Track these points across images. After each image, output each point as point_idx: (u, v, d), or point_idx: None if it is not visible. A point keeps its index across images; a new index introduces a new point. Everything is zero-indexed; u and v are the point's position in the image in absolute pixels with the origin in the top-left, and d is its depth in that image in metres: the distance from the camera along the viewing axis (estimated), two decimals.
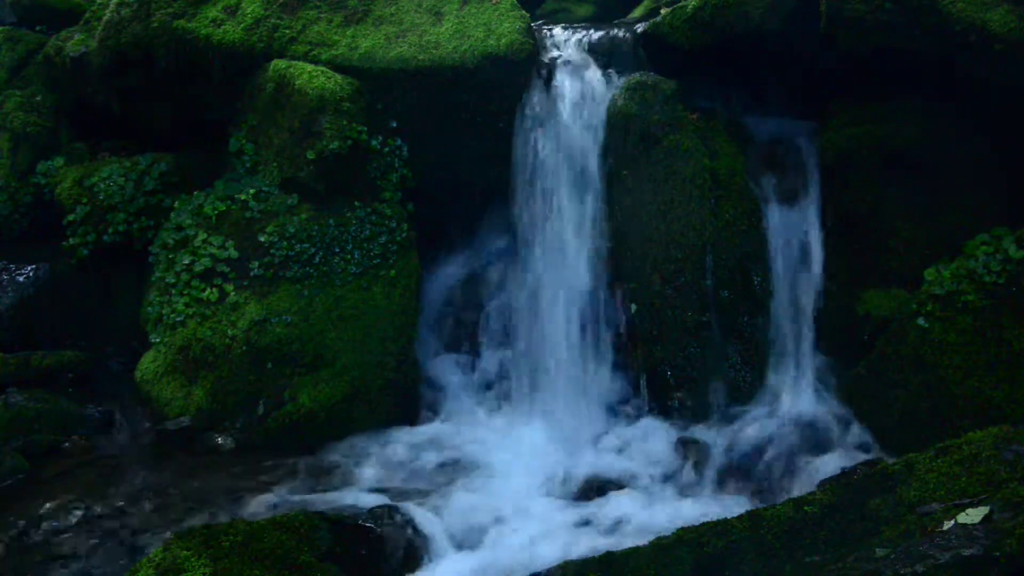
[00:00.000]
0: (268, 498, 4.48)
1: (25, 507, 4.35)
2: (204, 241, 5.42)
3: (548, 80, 5.62)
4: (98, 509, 4.35)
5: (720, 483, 4.74)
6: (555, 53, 5.86)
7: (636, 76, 5.57)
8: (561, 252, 5.47)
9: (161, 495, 4.52)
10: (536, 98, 5.57)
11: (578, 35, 5.94)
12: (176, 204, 5.68)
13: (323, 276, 5.31)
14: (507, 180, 5.62)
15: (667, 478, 4.80)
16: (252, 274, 5.31)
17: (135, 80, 5.91)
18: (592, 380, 5.42)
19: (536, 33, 5.78)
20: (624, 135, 5.42)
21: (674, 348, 5.18)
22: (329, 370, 5.15)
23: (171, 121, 6.06)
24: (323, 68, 5.44)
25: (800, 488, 4.50)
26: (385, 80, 5.51)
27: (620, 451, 5.02)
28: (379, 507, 4.14)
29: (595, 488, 4.67)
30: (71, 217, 5.87)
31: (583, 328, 5.41)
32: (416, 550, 3.99)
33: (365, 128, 5.40)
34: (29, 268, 5.90)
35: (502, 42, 5.45)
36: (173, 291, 5.37)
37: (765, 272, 5.29)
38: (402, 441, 5.12)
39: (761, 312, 5.25)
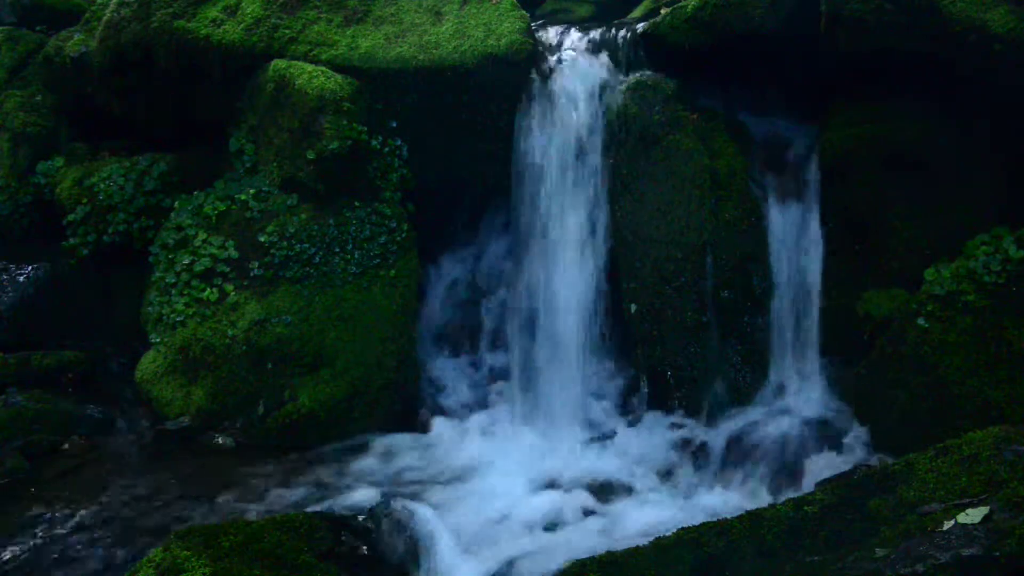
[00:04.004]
0: (268, 498, 4.48)
1: (25, 507, 4.35)
2: (204, 241, 5.42)
3: (548, 80, 5.62)
4: (98, 509, 4.35)
5: (720, 483, 4.74)
6: (555, 53, 5.86)
7: (636, 76, 5.57)
8: (561, 252, 5.47)
9: (161, 495, 4.52)
10: (536, 98, 5.57)
11: (578, 35, 5.94)
12: (176, 204, 5.68)
13: (323, 276, 5.31)
14: (507, 180, 5.61)
15: (667, 478, 4.80)
16: (252, 274, 5.31)
17: (135, 80, 5.91)
18: (592, 380, 5.43)
19: (536, 33, 5.78)
20: (624, 135, 5.42)
21: (674, 348, 5.18)
22: (329, 370, 5.15)
23: (171, 121, 6.06)
24: (323, 68, 5.44)
25: (800, 488, 4.50)
26: (385, 80, 5.50)
27: (620, 451, 5.02)
28: (379, 507, 4.14)
29: (595, 488, 4.67)
30: (71, 217, 5.87)
31: (583, 328, 5.41)
32: (416, 550, 3.99)
33: (365, 128, 5.40)
34: (29, 268, 5.90)
35: (502, 42, 5.45)
36: (173, 291, 5.37)
37: (765, 272, 5.29)
38: (402, 441, 5.12)
39: (761, 312, 5.26)
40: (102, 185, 5.84)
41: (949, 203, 5.00)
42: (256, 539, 3.51)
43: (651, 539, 3.42)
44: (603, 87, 5.59)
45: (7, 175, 6.24)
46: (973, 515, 2.99)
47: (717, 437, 4.97)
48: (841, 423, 4.93)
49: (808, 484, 4.51)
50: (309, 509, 4.16)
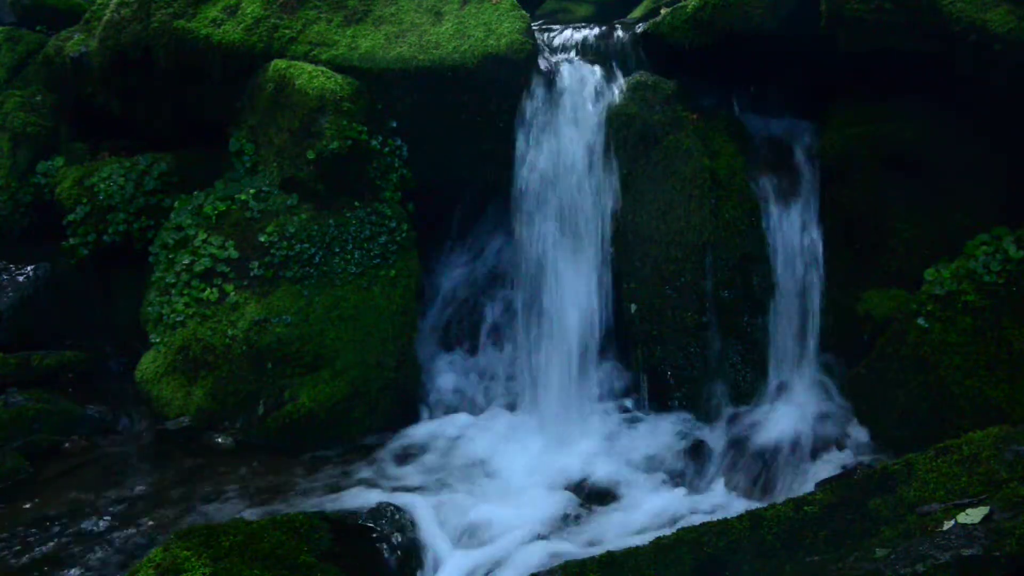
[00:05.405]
0: (268, 498, 4.49)
1: (25, 507, 4.35)
2: (204, 241, 5.42)
3: (548, 80, 5.62)
4: (98, 509, 4.36)
5: (720, 483, 4.74)
6: (555, 53, 5.86)
7: (636, 76, 5.57)
8: (561, 251, 5.47)
9: (161, 495, 4.52)
10: (536, 98, 5.57)
11: (578, 35, 5.94)
12: (176, 204, 5.68)
13: (323, 276, 5.31)
14: (507, 180, 5.62)
15: (667, 478, 4.79)
16: (252, 274, 5.31)
17: (135, 80, 5.91)
18: (592, 380, 5.42)
19: (536, 33, 5.78)
20: (624, 135, 5.42)
21: (674, 348, 5.18)
22: (329, 370, 5.15)
23: (171, 121, 6.07)
24: (323, 68, 5.44)
25: (800, 488, 4.50)
26: (385, 80, 5.50)
27: (620, 450, 5.02)
28: (379, 507, 4.14)
29: (595, 488, 4.67)
30: (71, 217, 5.87)
31: (583, 328, 5.40)
32: (416, 550, 3.99)
33: (365, 128, 5.40)
34: (29, 268, 5.90)
35: (502, 42, 5.45)
36: (173, 291, 5.37)
37: (765, 272, 5.29)
38: (402, 441, 5.13)
39: (761, 312, 5.26)
40: (102, 185, 5.84)
41: (949, 203, 5.00)
42: (256, 539, 3.51)
43: (651, 539, 3.42)
44: (603, 87, 5.60)
45: (7, 175, 6.24)
46: (973, 515, 2.99)
47: (717, 437, 4.98)
48: (841, 423, 4.93)
49: (808, 484, 4.51)
50: (309, 509, 4.16)
